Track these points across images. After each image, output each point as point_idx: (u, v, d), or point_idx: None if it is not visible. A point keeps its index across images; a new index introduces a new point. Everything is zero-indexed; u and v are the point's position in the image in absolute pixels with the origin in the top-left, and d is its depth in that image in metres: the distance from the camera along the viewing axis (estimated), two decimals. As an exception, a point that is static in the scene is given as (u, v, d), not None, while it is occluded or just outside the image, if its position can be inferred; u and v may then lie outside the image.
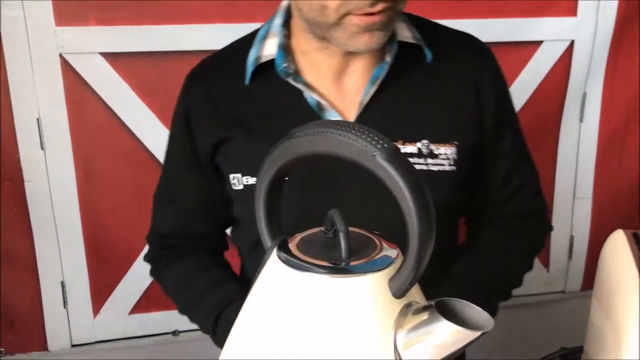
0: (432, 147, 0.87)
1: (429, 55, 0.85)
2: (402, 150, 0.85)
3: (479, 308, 0.48)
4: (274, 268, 0.53)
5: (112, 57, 1.45)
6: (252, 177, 0.85)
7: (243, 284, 0.91)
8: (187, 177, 0.91)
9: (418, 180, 0.48)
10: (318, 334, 0.49)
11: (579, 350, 0.81)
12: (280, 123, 0.80)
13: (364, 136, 0.48)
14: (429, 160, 0.86)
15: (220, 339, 0.85)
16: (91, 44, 1.44)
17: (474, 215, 0.99)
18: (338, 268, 0.50)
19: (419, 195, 0.47)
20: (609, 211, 1.89)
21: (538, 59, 1.76)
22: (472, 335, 0.46)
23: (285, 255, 0.52)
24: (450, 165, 0.87)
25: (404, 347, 0.48)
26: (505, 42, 1.72)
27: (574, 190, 1.87)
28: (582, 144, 1.87)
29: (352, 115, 0.85)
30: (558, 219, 1.87)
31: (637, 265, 0.65)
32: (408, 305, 0.50)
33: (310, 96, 0.83)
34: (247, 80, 0.85)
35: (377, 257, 0.52)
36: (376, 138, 0.48)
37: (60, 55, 1.43)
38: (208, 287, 0.89)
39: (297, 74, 0.84)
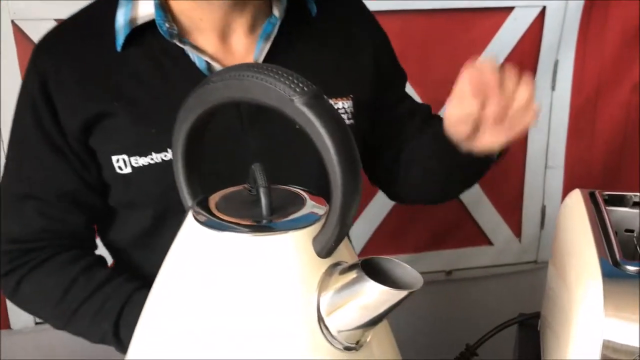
0: (330, 101, 0.83)
1: (314, 9, 0.81)
2: None
3: (408, 267, 0.43)
4: (189, 230, 0.48)
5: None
6: (142, 156, 0.74)
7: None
8: (50, 163, 0.77)
9: (341, 127, 0.43)
10: (238, 298, 0.45)
11: (537, 315, 0.77)
12: (167, 92, 0.74)
13: (282, 79, 0.43)
14: None
15: (126, 338, 0.75)
16: (45, 10, 1.37)
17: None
18: (257, 226, 0.46)
19: (341, 143, 0.42)
20: (581, 180, 1.86)
21: (509, 26, 1.72)
22: (399, 295, 0.41)
23: (202, 215, 0.48)
24: (348, 119, 0.84)
25: (328, 311, 0.44)
26: (475, 9, 1.68)
27: (545, 160, 1.83)
28: (554, 112, 1.83)
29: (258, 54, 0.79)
30: (530, 189, 1.84)
31: (590, 223, 0.61)
32: (334, 266, 0.45)
33: (199, 58, 0.75)
34: (119, 47, 0.75)
35: (302, 214, 0.47)
36: (296, 81, 0.43)
37: (13, 22, 1.36)
38: (95, 287, 0.77)
39: (181, 35, 0.75)
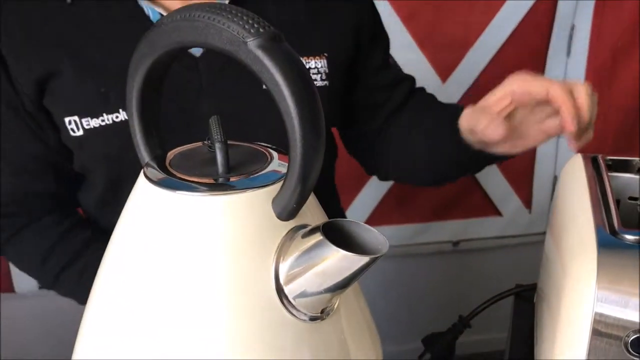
0: (302, 60, 0.78)
1: None
2: None
3: (375, 230, 0.38)
4: (141, 189, 0.43)
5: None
6: (93, 117, 0.70)
7: None
8: (12, 127, 0.73)
9: (302, 74, 0.38)
10: (191, 263, 0.40)
11: (533, 287, 0.72)
12: (117, 48, 0.69)
13: (235, 19, 0.38)
14: None
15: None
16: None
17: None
18: (212, 185, 0.41)
19: (301, 92, 0.37)
20: (595, 149, 1.80)
21: (524, -11, 1.65)
22: (361, 260, 0.37)
23: (154, 173, 0.43)
24: (322, 79, 0.79)
25: (288, 279, 0.39)
26: (489, -29, 1.62)
27: (558, 128, 1.77)
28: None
29: None
30: (541, 159, 1.78)
31: (589, 190, 0.55)
32: (296, 229, 0.41)
33: (153, 10, 0.69)
34: None
35: (264, 172, 0.43)
36: (251, 21, 0.38)
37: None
38: (74, 253, 0.76)
39: None
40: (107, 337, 0.43)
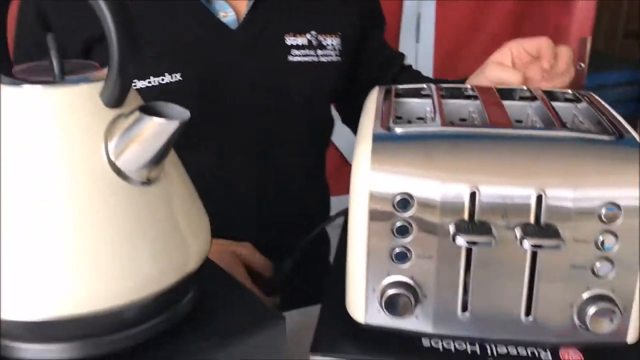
0: (320, 38, 0.92)
1: None
2: (294, 43, 0.92)
3: (177, 106, 0.49)
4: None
5: None
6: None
7: None
8: None
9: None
10: (37, 145, 0.48)
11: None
12: (166, 19, 0.84)
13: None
14: (319, 52, 0.93)
15: None
16: None
17: None
18: (50, 82, 0.50)
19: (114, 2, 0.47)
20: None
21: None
22: (172, 124, 0.47)
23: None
24: (336, 55, 0.94)
25: (117, 153, 0.49)
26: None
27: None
28: (419, 63, 1.94)
29: (243, 9, 0.89)
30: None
31: (376, 104, 0.69)
32: (120, 115, 0.50)
33: None
34: None
35: (99, 74, 0.52)
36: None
37: None
38: None
39: None
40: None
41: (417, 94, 0.75)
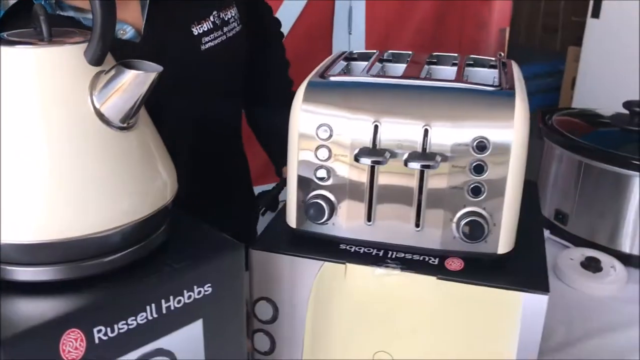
0: (222, 14, 0.97)
1: None
2: (201, 30, 0.95)
3: (152, 63, 0.58)
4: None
5: None
6: None
7: None
8: None
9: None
10: (28, 100, 0.56)
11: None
12: None
13: None
14: (225, 29, 0.97)
15: None
16: None
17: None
18: (40, 43, 0.59)
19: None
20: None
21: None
22: (149, 76, 0.57)
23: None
24: (238, 24, 0.99)
25: (100, 102, 0.58)
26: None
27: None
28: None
29: (138, 20, 0.90)
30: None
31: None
32: (101, 72, 0.60)
33: None
34: None
35: (82, 37, 0.60)
36: None
37: None
38: None
39: None
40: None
41: (367, 57, 0.88)
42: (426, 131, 0.71)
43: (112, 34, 0.58)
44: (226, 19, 0.97)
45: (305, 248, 0.77)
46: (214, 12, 0.96)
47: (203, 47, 0.97)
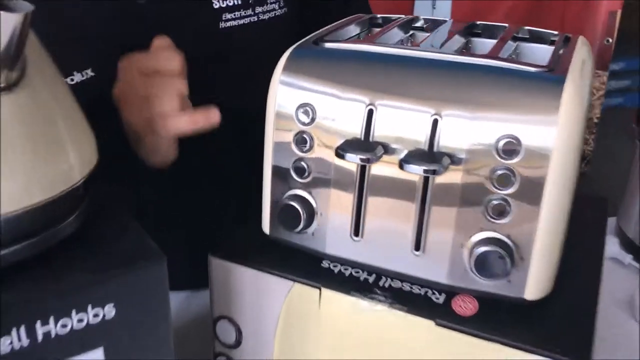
0: None
1: None
2: (223, 4, 0.78)
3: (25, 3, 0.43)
4: None
5: None
6: None
7: None
8: None
9: None
10: None
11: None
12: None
13: None
14: (258, 9, 0.79)
15: None
16: None
17: None
18: None
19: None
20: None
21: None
22: (14, 17, 0.41)
23: None
24: (280, 7, 0.80)
25: None
26: None
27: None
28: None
29: None
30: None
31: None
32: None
33: None
34: None
35: None
36: None
37: None
38: None
39: None
40: None
41: (389, 20, 0.70)
42: (435, 122, 0.52)
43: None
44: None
45: (278, 261, 0.60)
46: None
47: (222, 25, 0.78)
